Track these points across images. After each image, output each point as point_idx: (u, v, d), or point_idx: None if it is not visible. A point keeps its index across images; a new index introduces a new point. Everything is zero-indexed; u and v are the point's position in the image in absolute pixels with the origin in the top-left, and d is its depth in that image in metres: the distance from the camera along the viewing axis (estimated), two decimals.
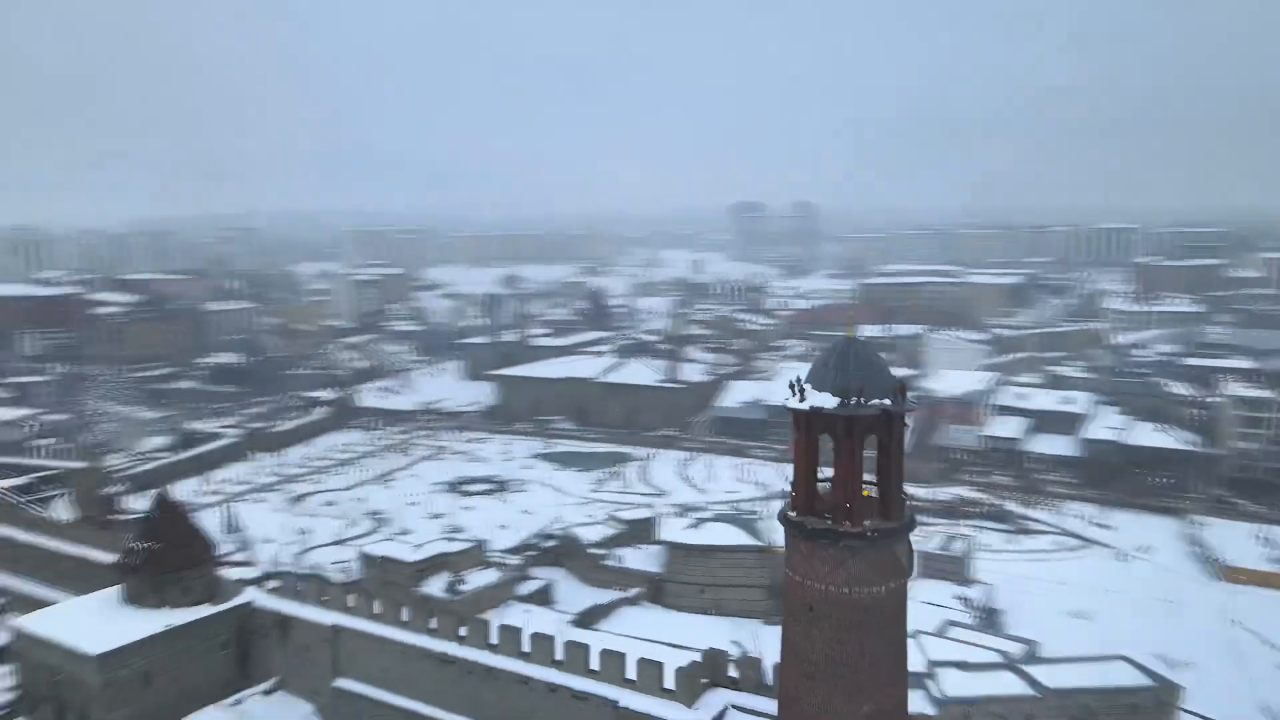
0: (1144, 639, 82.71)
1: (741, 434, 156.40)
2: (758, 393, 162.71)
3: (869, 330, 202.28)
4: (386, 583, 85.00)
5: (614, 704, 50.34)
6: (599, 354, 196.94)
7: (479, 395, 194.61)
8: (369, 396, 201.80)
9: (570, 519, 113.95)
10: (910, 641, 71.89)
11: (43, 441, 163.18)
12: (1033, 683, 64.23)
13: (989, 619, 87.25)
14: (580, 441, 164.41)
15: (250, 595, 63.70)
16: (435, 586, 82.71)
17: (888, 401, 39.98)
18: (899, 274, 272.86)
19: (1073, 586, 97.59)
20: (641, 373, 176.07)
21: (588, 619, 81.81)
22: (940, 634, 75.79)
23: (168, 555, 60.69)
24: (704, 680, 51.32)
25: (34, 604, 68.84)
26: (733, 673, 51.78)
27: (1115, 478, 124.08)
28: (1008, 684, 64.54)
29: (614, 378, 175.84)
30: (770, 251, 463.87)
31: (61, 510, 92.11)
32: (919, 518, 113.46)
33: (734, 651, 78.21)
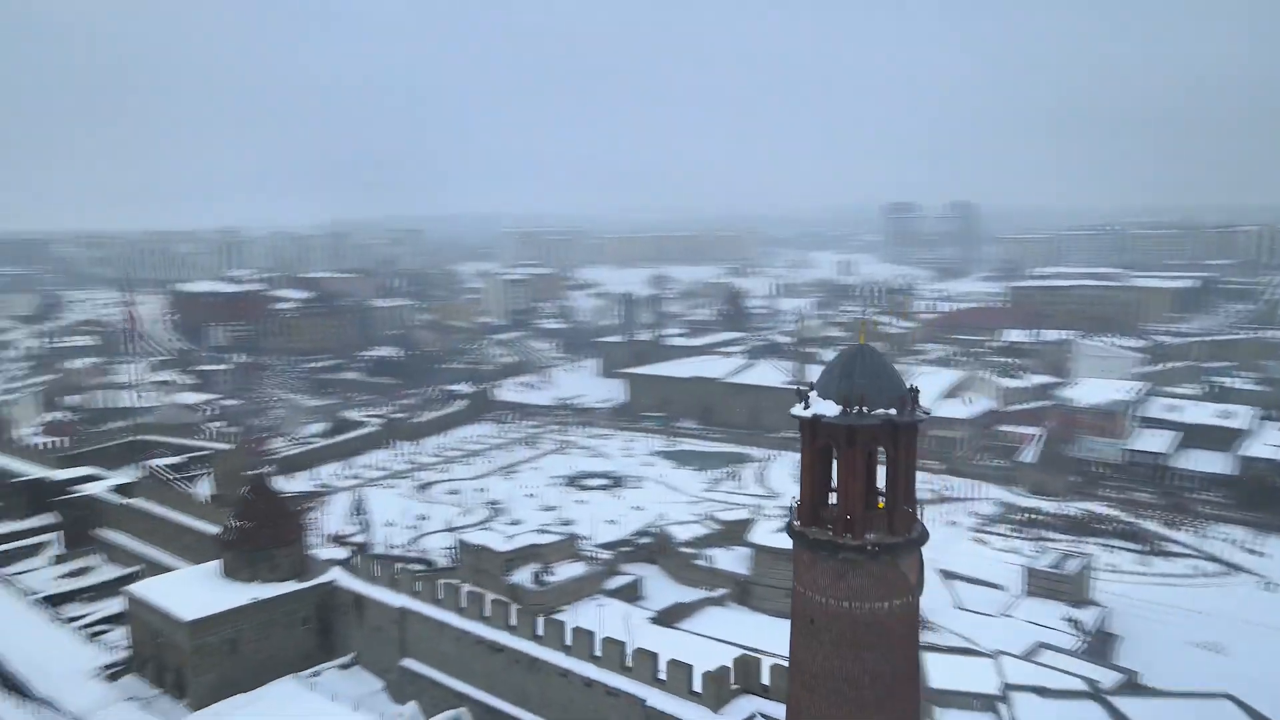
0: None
1: None
2: None
3: (1014, 335, 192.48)
4: (479, 570, 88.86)
5: (642, 702, 50.86)
6: (729, 354, 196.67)
7: (612, 392, 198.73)
8: (509, 391, 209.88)
9: (676, 516, 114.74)
10: (987, 661, 69.11)
11: (213, 424, 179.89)
12: (1116, 715, 59.91)
13: (1100, 644, 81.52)
14: (702, 441, 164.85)
15: (334, 574, 68.27)
16: (523, 576, 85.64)
17: (892, 411, 38.66)
18: (1055, 276, 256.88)
19: (1207, 616, 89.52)
20: (768, 374, 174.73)
21: (669, 617, 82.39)
22: (1028, 656, 71.76)
23: (259, 533, 66.07)
24: (735, 686, 50.92)
25: (162, 572, 76.49)
26: (765, 680, 51.12)
27: (1275, 499, 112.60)
28: (1088, 715, 60.50)
29: (741, 378, 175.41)
30: (924, 253, 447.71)
31: (203, 488, 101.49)
32: (1045, 533, 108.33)
33: None
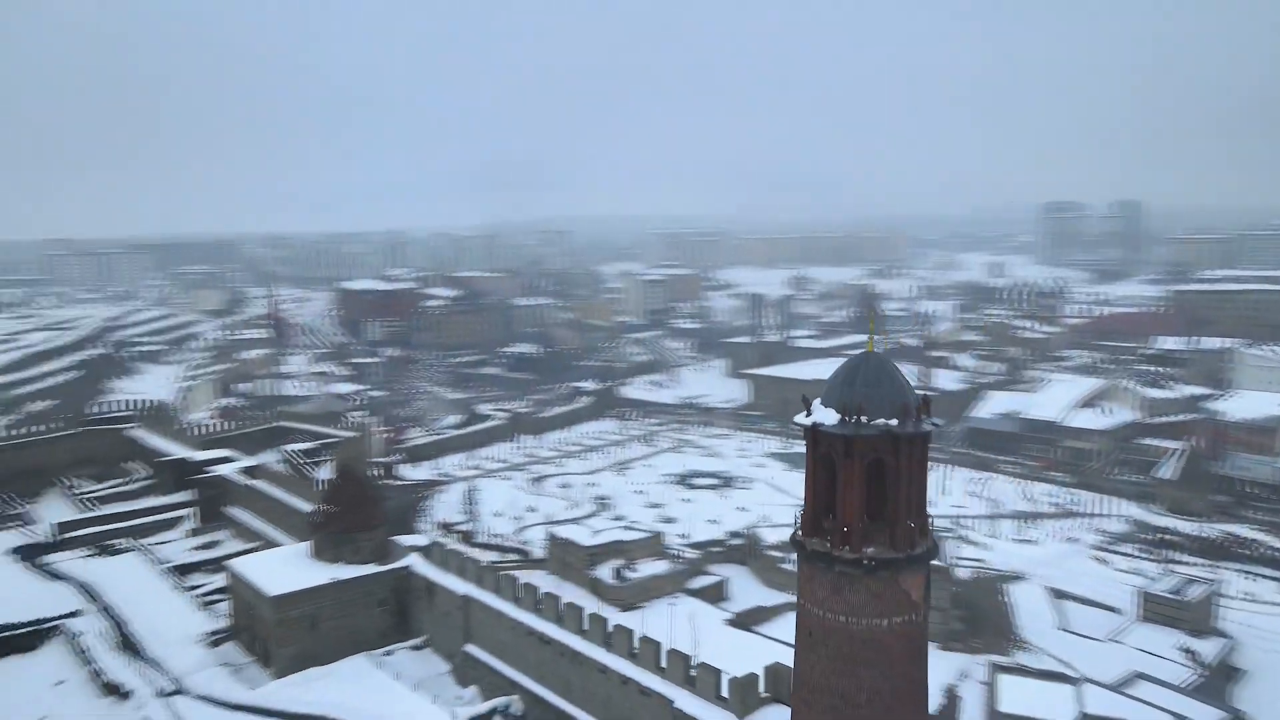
0: None
1: (991, 447, 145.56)
2: (1015, 404, 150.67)
3: (1167, 342, 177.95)
4: (565, 563, 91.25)
5: (670, 703, 51.09)
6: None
7: (736, 393, 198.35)
8: (637, 389, 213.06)
9: (779, 519, 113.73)
10: (1068, 689, 64.85)
11: (356, 413, 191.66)
12: None
13: (1217, 680, 74.89)
14: None
15: (410, 560, 71.89)
16: (606, 571, 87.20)
17: (893, 422, 37.30)
18: (1224, 280, 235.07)
19: None
20: None
21: (748, 619, 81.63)
22: (1119, 686, 66.78)
23: (343, 518, 70.38)
24: (765, 694, 50.40)
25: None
26: None
27: None
28: None
29: None
30: (1085, 255, 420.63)
31: (323, 473, 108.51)
32: (1177, 555, 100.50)
33: None
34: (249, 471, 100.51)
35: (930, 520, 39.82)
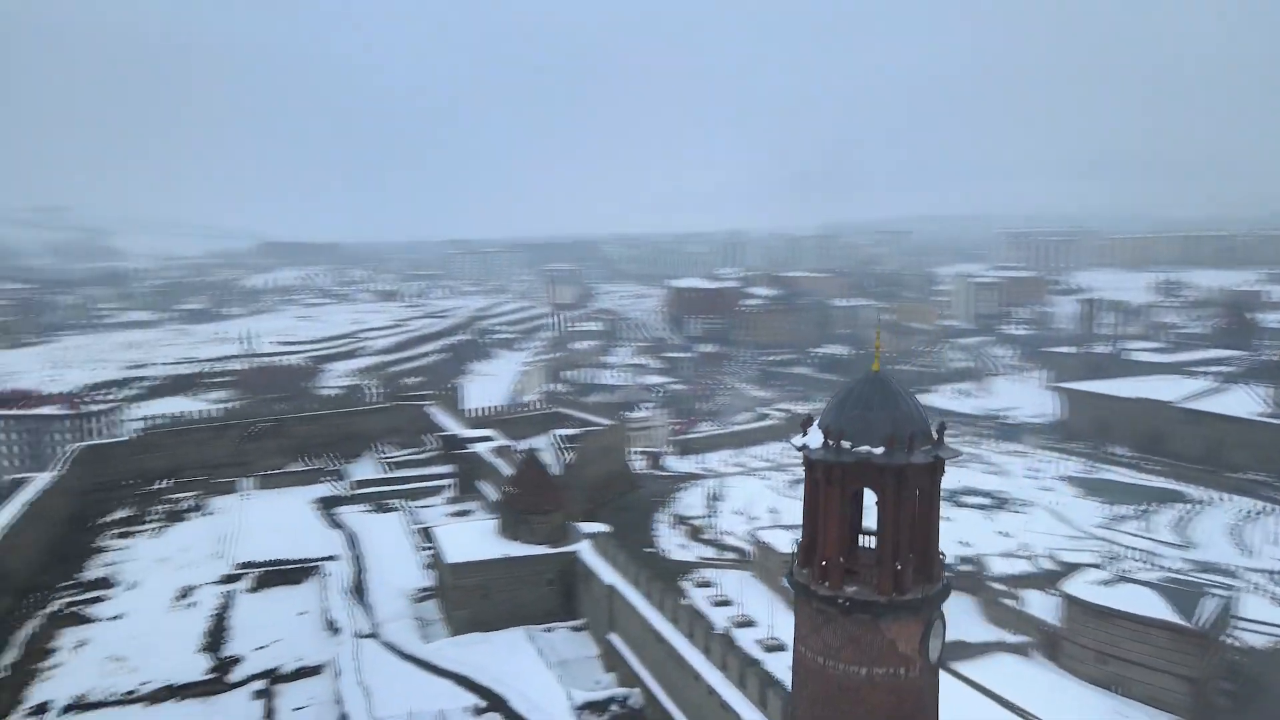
0: None
1: None
2: None
3: None
4: (765, 567, 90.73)
5: None
6: (1195, 374, 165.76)
7: (1049, 407, 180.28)
8: (941, 397, 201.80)
9: (1040, 548, 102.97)
10: None
11: (649, 404, 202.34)
12: None
13: None
14: (1131, 471, 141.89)
15: (579, 546, 75.60)
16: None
17: (876, 451, 33.30)
18: None
19: None
20: (1241, 402, 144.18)
21: (945, 652, 75.62)
22: None
23: (522, 500, 75.75)
24: None
25: None
26: None
27: None
28: None
29: (1201, 404, 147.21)
30: None
31: (565, 459, 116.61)
32: None
33: None
34: (498, 451, 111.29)
35: (941, 564, 35.14)
